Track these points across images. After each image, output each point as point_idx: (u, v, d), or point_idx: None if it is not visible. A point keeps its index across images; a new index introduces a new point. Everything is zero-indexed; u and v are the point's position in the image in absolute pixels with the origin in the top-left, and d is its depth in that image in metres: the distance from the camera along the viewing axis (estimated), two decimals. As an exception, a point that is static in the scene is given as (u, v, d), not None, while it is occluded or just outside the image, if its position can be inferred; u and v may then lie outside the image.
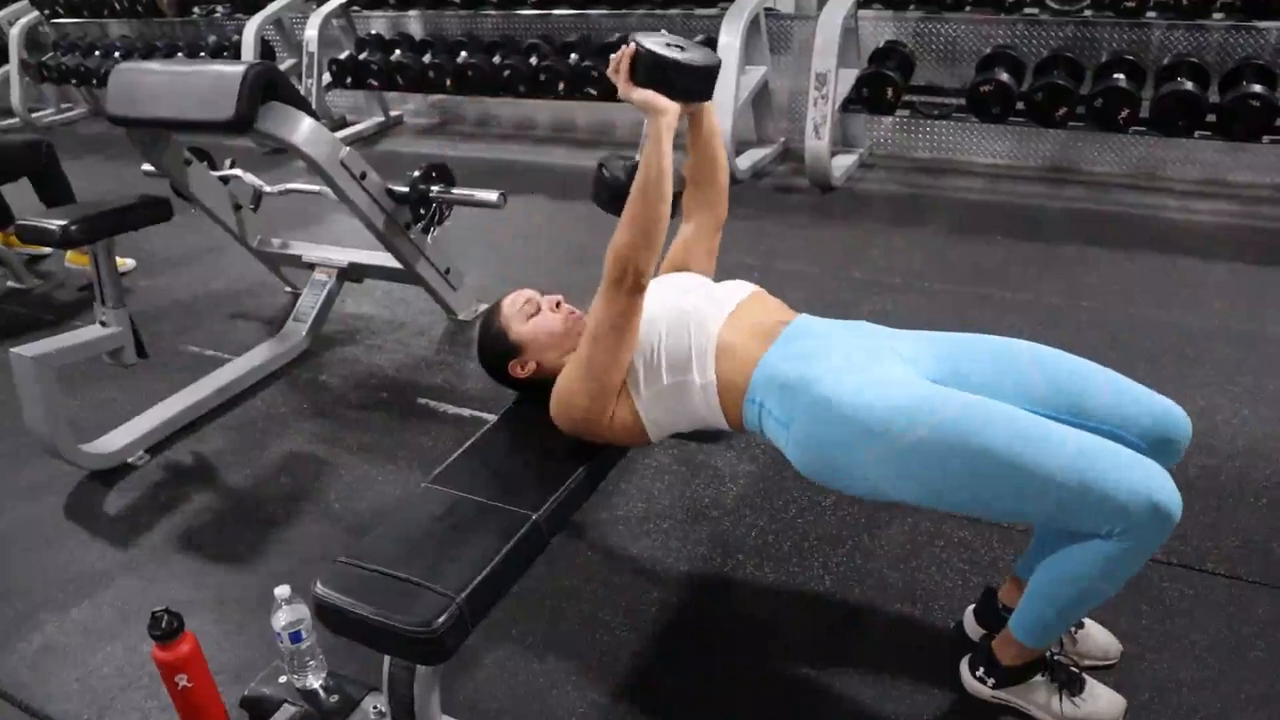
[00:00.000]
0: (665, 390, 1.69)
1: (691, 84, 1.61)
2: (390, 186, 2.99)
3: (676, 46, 1.61)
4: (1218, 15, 3.90)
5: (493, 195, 2.97)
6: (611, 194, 1.74)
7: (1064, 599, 1.54)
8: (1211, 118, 3.72)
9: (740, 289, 1.80)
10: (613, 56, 1.62)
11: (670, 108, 1.59)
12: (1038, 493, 1.41)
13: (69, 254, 4.13)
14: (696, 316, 1.70)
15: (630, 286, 1.58)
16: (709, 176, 1.97)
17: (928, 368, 1.60)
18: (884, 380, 1.53)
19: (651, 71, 1.56)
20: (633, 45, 1.58)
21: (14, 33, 7.07)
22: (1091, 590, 1.50)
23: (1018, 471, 1.41)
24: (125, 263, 4.13)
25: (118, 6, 6.84)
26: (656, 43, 1.59)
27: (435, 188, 3.03)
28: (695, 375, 1.66)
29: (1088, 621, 1.84)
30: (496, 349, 1.85)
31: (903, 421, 1.45)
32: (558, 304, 1.88)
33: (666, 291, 1.79)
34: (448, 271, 3.32)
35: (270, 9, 6.00)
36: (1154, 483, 1.38)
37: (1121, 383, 1.58)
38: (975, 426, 1.43)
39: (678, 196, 1.79)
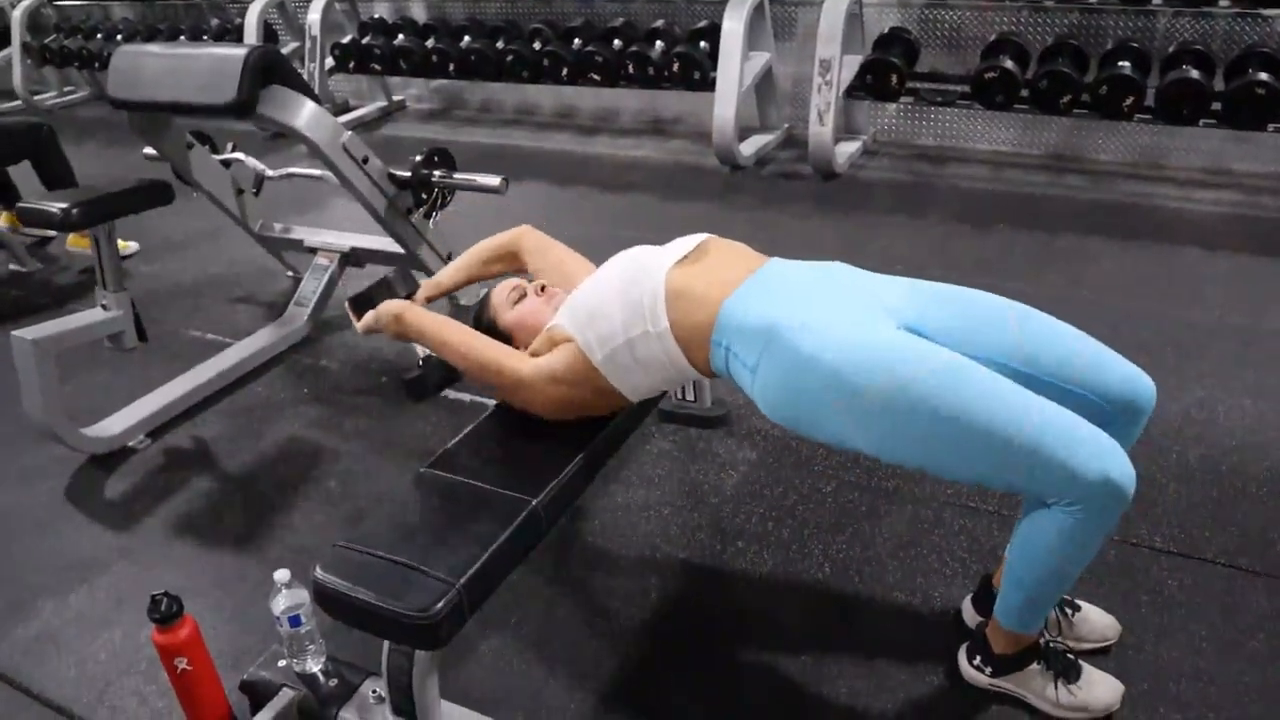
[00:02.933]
0: (622, 347, 1.69)
1: (385, 294, 2.01)
2: (392, 171, 2.98)
3: (375, 281, 2.06)
4: (1224, 3, 3.87)
5: (495, 180, 2.95)
6: (411, 387, 2.08)
7: (1032, 580, 1.55)
8: (1216, 106, 3.70)
9: (690, 238, 1.80)
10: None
11: (377, 315, 1.91)
12: (996, 456, 1.42)
13: (70, 237, 4.13)
14: (645, 269, 1.72)
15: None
16: (483, 278, 2.17)
17: (906, 315, 1.59)
18: (856, 331, 1.51)
19: (359, 308, 2.00)
20: (346, 303, 2.05)
21: (16, 15, 7.04)
22: (1056, 568, 1.51)
23: (979, 434, 1.41)
24: (128, 245, 4.13)
25: (120, -11, 6.82)
26: (358, 289, 2.04)
27: (437, 172, 3.02)
28: (649, 325, 1.66)
29: (1084, 604, 1.85)
30: None
31: (871, 376, 1.45)
32: (542, 288, 1.92)
33: (610, 266, 1.83)
34: (449, 256, 3.30)
35: (273, -8, 5.98)
36: (1109, 457, 1.39)
37: (1097, 347, 1.60)
38: (943, 387, 1.43)
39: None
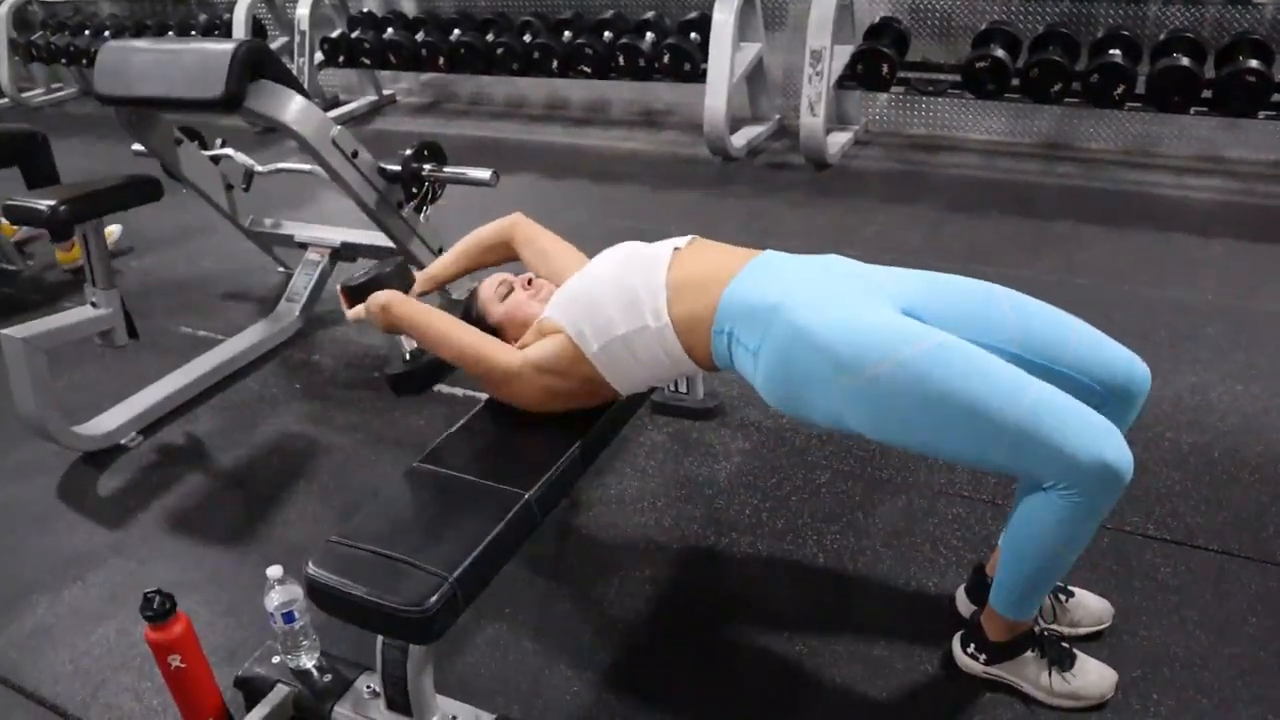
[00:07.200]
0: (618, 341, 1.70)
1: (379, 286, 1.95)
2: (382, 165, 2.97)
3: (371, 270, 2.02)
4: (1214, -10, 3.88)
5: (485, 173, 2.95)
6: (396, 381, 2.07)
7: (1026, 565, 1.55)
8: (1207, 93, 3.70)
9: (679, 238, 1.82)
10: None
11: (367, 306, 1.89)
12: (991, 437, 1.42)
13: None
14: (642, 263, 1.73)
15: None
16: (478, 268, 2.18)
17: (902, 302, 1.60)
18: (855, 312, 1.53)
19: (354, 296, 1.95)
20: (339, 288, 2.00)
21: (2, 11, 6.99)
22: (1051, 554, 1.51)
23: (974, 414, 1.42)
24: (112, 231, 4.06)
25: (107, -16, 6.77)
26: (353, 276, 2.00)
27: (427, 166, 3.01)
28: (649, 319, 1.67)
29: (1077, 590, 1.85)
30: None
31: (870, 355, 1.46)
32: (529, 281, 1.93)
33: (603, 260, 1.84)
34: (441, 250, 3.30)
35: (261, -14, 5.95)
36: (1106, 440, 1.39)
37: (1090, 331, 1.61)
38: (939, 366, 1.43)
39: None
